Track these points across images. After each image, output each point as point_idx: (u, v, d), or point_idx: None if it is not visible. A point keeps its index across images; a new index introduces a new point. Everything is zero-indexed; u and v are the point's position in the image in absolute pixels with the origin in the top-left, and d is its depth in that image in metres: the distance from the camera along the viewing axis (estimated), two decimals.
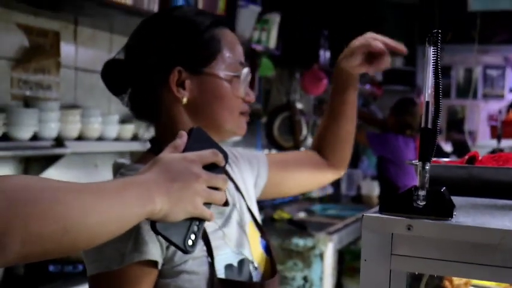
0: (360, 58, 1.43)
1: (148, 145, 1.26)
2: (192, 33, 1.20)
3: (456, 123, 6.34)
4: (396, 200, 0.73)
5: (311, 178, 1.55)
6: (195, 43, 1.20)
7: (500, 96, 6.80)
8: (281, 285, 3.42)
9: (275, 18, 3.81)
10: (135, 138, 2.72)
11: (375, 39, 1.42)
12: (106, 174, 2.69)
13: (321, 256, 3.45)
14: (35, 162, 2.42)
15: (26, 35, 2.41)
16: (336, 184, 5.32)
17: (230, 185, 1.31)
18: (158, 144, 1.21)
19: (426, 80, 0.72)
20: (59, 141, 2.35)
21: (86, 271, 1.12)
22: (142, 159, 1.24)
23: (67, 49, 2.62)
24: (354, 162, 6.12)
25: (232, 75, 1.22)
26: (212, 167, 0.95)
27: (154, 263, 1.09)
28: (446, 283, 1.40)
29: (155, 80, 1.21)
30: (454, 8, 5.71)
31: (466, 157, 1.03)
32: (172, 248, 1.11)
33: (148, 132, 1.29)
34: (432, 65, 0.72)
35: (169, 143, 0.97)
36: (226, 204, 1.22)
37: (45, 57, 2.50)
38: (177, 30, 1.21)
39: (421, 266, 0.73)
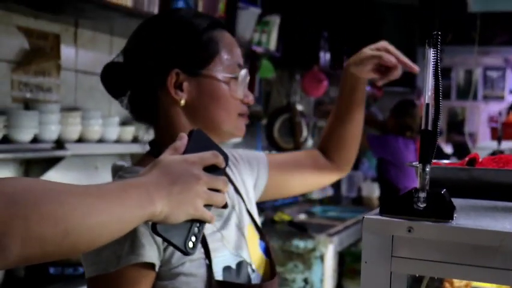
0: (370, 67, 1.43)
1: (147, 147, 1.26)
2: (190, 36, 1.20)
3: (456, 125, 6.34)
4: (396, 202, 0.73)
5: (313, 178, 1.55)
6: (192, 45, 1.20)
7: (501, 98, 6.80)
8: (281, 287, 3.41)
9: (275, 20, 3.81)
10: (135, 140, 2.72)
11: (387, 51, 1.41)
12: (106, 176, 2.67)
13: (322, 258, 3.45)
14: (35, 165, 2.42)
15: (26, 37, 2.41)
16: (336, 186, 5.32)
17: (229, 187, 1.31)
18: (157, 147, 1.21)
19: (427, 82, 0.72)
20: (59, 144, 2.35)
21: (85, 274, 1.12)
22: (141, 161, 1.24)
23: (67, 51, 2.62)
24: (355, 164, 6.12)
25: (230, 77, 1.22)
26: (212, 169, 0.95)
27: (151, 266, 1.10)
28: (447, 285, 1.40)
29: (153, 82, 1.21)
30: (453, 9, 5.70)
31: (466, 159, 1.03)
32: (170, 250, 1.11)
33: (148, 135, 1.29)
34: (433, 66, 0.72)
35: (168, 145, 0.97)
36: (225, 206, 1.22)
37: (45, 59, 2.50)
38: (175, 33, 1.21)
39: (422, 268, 0.73)
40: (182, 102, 1.20)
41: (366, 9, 5.77)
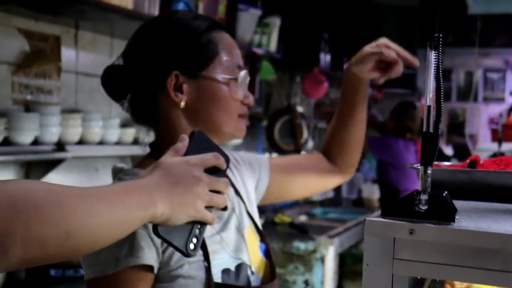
0: (371, 65, 1.42)
1: (148, 149, 1.26)
2: (189, 37, 1.20)
3: (457, 127, 6.34)
4: (398, 205, 0.73)
5: (315, 182, 1.54)
6: (191, 47, 1.20)
7: (501, 100, 6.80)
8: None
9: (275, 22, 3.81)
10: (136, 142, 2.72)
11: (388, 47, 1.40)
12: (106, 178, 2.67)
13: (322, 260, 3.45)
14: (36, 167, 2.42)
15: (26, 39, 2.41)
16: (337, 187, 5.31)
17: (230, 189, 1.31)
18: (157, 149, 1.21)
19: (428, 84, 0.72)
20: (60, 146, 2.35)
21: (84, 276, 1.12)
22: (141, 163, 1.24)
23: (67, 53, 2.62)
24: None
25: (229, 78, 1.22)
26: (213, 171, 0.95)
27: (149, 268, 1.10)
28: (448, 287, 1.39)
29: (153, 85, 1.21)
30: (454, 11, 5.71)
31: (468, 161, 1.03)
32: (168, 253, 1.11)
33: (149, 137, 1.29)
34: (434, 69, 0.72)
35: (169, 147, 0.97)
36: (224, 208, 1.22)
37: (46, 61, 2.50)
38: (174, 35, 1.21)
39: (423, 270, 0.73)
40: (182, 104, 1.20)
41: (367, 10, 5.78)
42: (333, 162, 1.53)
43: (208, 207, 0.93)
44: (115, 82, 1.24)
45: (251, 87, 1.22)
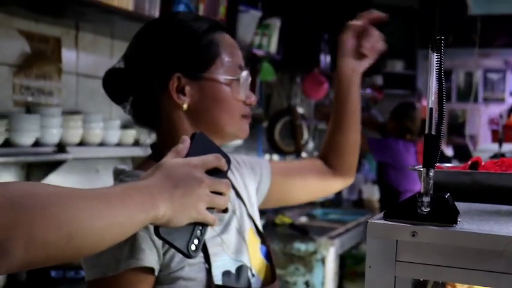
0: (351, 47, 1.44)
1: (149, 151, 1.26)
2: (190, 39, 1.20)
3: (457, 127, 6.33)
4: (400, 207, 0.73)
5: (316, 185, 1.54)
6: (193, 48, 1.20)
7: (501, 100, 6.79)
8: None
9: (276, 23, 3.81)
10: (137, 143, 2.72)
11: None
12: (107, 179, 2.68)
13: (323, 261, 3.45)
14: (36, 168, 2.42)
15: (27, 41, 2.41)
16: None
17: (231, 191, 1.31)
18: (158, 150, 1.21)
19: (430, 86, 0.72)
20: (60, 147, 2.35)
21: (85, 277, 1.12)
22: (142, 165, 1.24)
23: (68, 55, 2.62)
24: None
25: (231, 79, 1.22)
26: (215, 172, 0.95)
27: (150, 270, 1.09)
28: None
29: (155, 87, 1.21)
30: (454, 12, 5.71)
31: (469, 162, 1.03)
32: (169, 254, 1.11)
33: (150, 138, 1.29)
34: (436, 71, 0.72)
35: (171, 149, 0.97)
36: (225, 210, 1.22)
37: (46, 63, 2.50)
38: (175, 37, 1.21)
39: (426, 273, 0.73)
40: (185, 106, 1.20)
41: (367, 11, 5.77)
42: (331, 167, 1.54)
43: (210, 209, 0.93)
44: (116, 85, 1.24)
45: (252, 88, 1.22)
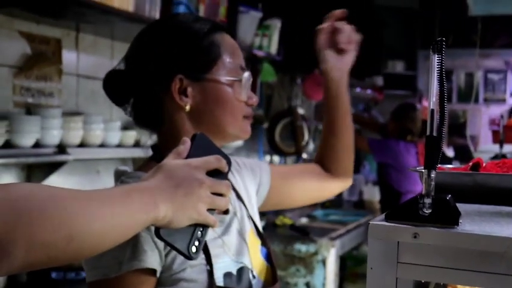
0: (329, 48, 1.46)
1: (150, 152, 1.26)
2: (191, 40, 1.20)
3: (458, 128, 6.33)
4: (402, 208, 0.73)
5: (315, 189, 1.55)
6: (194, 50, 1.20)
7: (502, 101, 6.79)
8: None
9: (276, 24, 3.81)
10: (137, 144, 2.72)
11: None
12: (108, 180, 2.68)
13: (324, 262, 3.45)
14: (37, 170, 2.42)
15: (28, 42, 2.41)
16: None
17: (231, 193, 1.31)
18: (160, 152, 1.21)
19: (431, 88, 0.72)
20: (61, 148, 2.36)
21: (86, 278, 1.12)
22: (143, 166, 1.24)
23: (68, 56, 2.62)
24: (356, 168, 6.12)
25: (233, 80, 1.22)
26: (215, 173, 0.95)
27: (152, 271, 1.09)
28: None
29: (157, 89, 1.21)
30: (454, 13, 5.71)
31: (470, 164, 1.03)
32: (171, 256, 1.11)
33: (150, 139, 1.29)
34: (437, 72, 0.72)
35: (172, 150, 0.97)
36: (226, 212, 1.22)
37: (47, 64, 2.50)
38: (176, 38, 1.21)
39: (427, 274, 0.73)
40: (188, 107, 1.20)
41: (367, 12, 5.77)
42: (328, 171, 1.55)
43: (210, 210, 0.93)
44: (117, 87, 1.24)
45: (252, 89, 1.23)
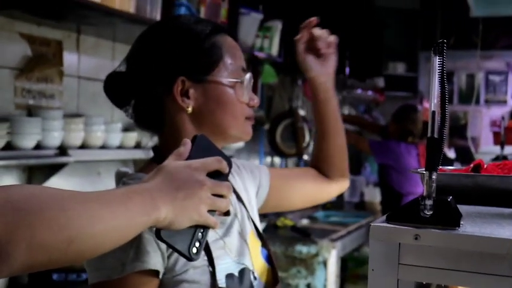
0: (310, 56, 1.47)
1: (151, 153, 1.26)
2: (193, 42, 1.21)
3: (459, 129, 6.33)
4: (403, 210, 0.73)
5: (314, 192, 1.56)
6: (196, 52, 1.20)
7: (503, 102, 6.79)
8: None
9: (277, 26, 3.81)
10: (138, 146, 2.72)
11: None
12: (109, 182, 2.68)
13: (325, 263, 3.45)
14: (38, 171, 2.42)
15: (29, 44, 2.41)
16: None
17: (232, 195, 1.31)
18: (161, 153, 1.21)
19: (432, 90, 0.72)
20: (62, 150, 2.36)
21: (88, 279, 1.12)
22: (144, 168, 1.24)
23: (69, 58, 2.63)
24: (357, 169, 6.12)
25: (235, 81, 1.23)
26: (216, 175, 0.95)
27: (155, 273, 1.09)
28: None
29: (159, 91, 1.21)
30: (456, 14, 5.71)
31: (471, 165, 1.02)
32: (174, 257, 1.11)
33: (151, 141, 1.29)
34: (438, 74, 0.72)
35: (173, 151, 0.97)
36: (227, 214, 1.22)
37: (48, 66, 2.50)
38: (178, 40, 1.21)
39: (429, 276, 0.73)
40: (190, 109, 1.20)
41: (368, 13, 5.78)
42: (324, 174, 1.56)
43: (211, 211, 0.93)
44: (118, 89, 1.24)
45: (253, 91, 1.24)
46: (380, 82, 6.08)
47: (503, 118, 3.50)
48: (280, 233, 3.77)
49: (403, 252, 0.73)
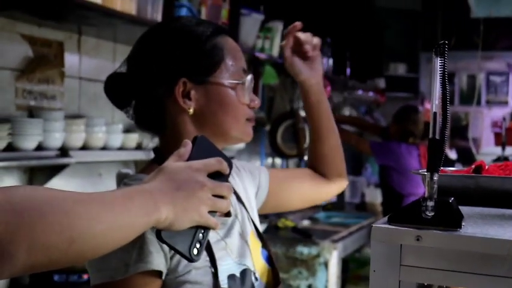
0: (298, 60, 1.47)
1: (152, 154, 1.26)
2: (194, 44, 1.21)
3: (460, 130, 6.33)
4: (404, 211, 0.73)
5: (312, 192, 1.56)
6: (198, 53, 1.20)
7: (504, 103, 6.79)
8: None
9: (278, 27, 3.81)
10: (139, 147, 2.72)
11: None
12: (110, 183, 2.69)
13: (326, 264, 3.45)
14: (39, 172, 2.42)
15: (30, 45, 2.42)
16: None
17: (232, 196, 1.31)
18: (161, 154, 1.21)
19: (434, 91, 0.72)
20: (63, 151, 2.36)
21: (90, 280, 1.12)
22: (145, 169, 1.24)
23: (70, 59, 2.63)
24: (358, 170, 6.12)
25: (236, 83, 1.23)
26: (216, 175, 0.95)
27: (158, 273, 1.09)
28: None
29: (160, 92, 1.21)
30: (456, 15, 5.71)
31: (473, 166, 1.02)
32: (176, 258, 1.11)
33: (152, 142, 1.29)
34: (440, 75, 0.72)
35: (174, 152, 0.97)
36: (228, 215, 1.22)
37: (49, 67, 2.50)
38: (179, 42, 1.21)
39: (430, 277, 0.73)
40: (191, 110, 1.20)
41: (369, 14, 5.78)
42: (321, 175, 1.56)
43: (212, 212, 0.93)
44: (119, 90, 1.24)
45: (254, 92, 1.25)
46: (381, 83, 6.08)
47: (504, 119, 3.50)
48: (281, 234, 3.77)
49: (405, 254, 0.73)
